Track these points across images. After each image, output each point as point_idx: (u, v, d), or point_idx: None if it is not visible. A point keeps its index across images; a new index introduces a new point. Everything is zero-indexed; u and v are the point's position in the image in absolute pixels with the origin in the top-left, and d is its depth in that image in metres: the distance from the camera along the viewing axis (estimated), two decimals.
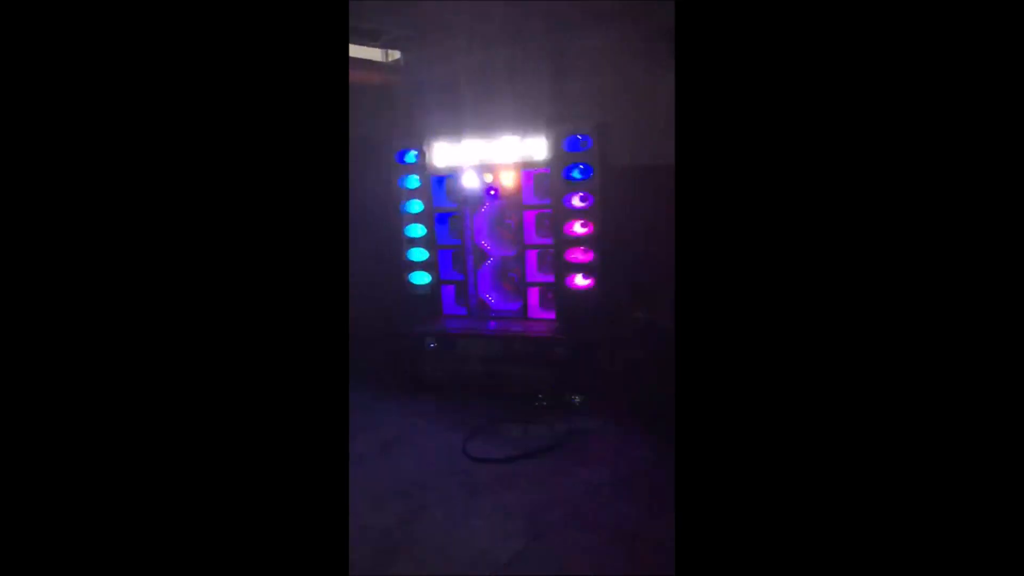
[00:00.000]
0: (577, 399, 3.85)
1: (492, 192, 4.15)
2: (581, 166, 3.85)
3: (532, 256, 4.25)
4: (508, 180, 4.08)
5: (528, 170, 4.07)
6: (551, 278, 4.15)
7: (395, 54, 5.81)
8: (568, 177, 3.89)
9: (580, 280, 4.01)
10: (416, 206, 4.42)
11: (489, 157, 4.10)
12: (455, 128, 4.25)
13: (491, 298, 4.53)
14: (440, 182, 4.39)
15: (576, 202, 3.90)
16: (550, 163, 3.93)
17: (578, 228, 3.93)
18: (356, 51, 5.37)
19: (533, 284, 4.28)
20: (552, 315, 4.22)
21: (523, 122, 4.08)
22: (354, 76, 3.00)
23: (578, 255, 3.97)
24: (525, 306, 4.31)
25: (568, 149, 3.87)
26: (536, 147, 3.96)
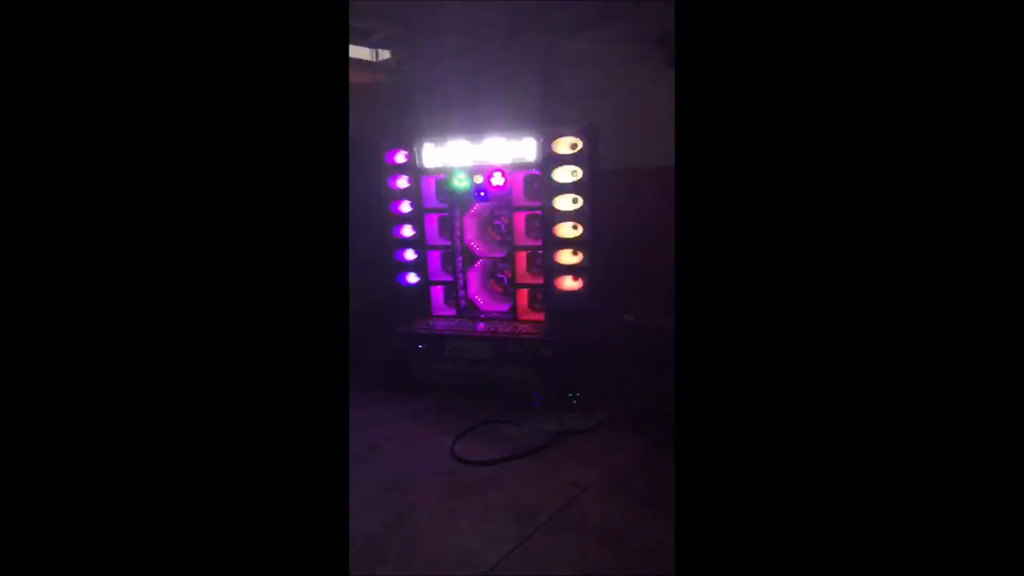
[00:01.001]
0: (574, 398, 3.86)
1: (482, 193, 4.14)
2: (572, 168, 3.85)
3: (522, 257, 4.24)
4: (498, 181, 4.08)
5: (518, 171, 4.07)
6: (541, 280, 4.15)
7: (385, 54, 5.79)
8: (558, 179, 3.89)
9: (570, 282, 4.01)
10: (405, 206, 4.40)
11: (479, 158, 4.09)
12: (445, 129, 4.24)
13: (480, 299, 4.52)
14: (430, 183, 4.38)
15: (566, 204, 3.91)
16: (540, 165, 3.94)
17: (568, 230, 3.93)
18: None
19: (523, 285, 4.28)
20: (541, 316, 4.22)
21: (513, 123, 4.08)
22: None
23: (568, 257, 3.97)
24: (515, 307, 4.31)
25: (558, 151, 3.87)
26: (526, 148, 3.96)
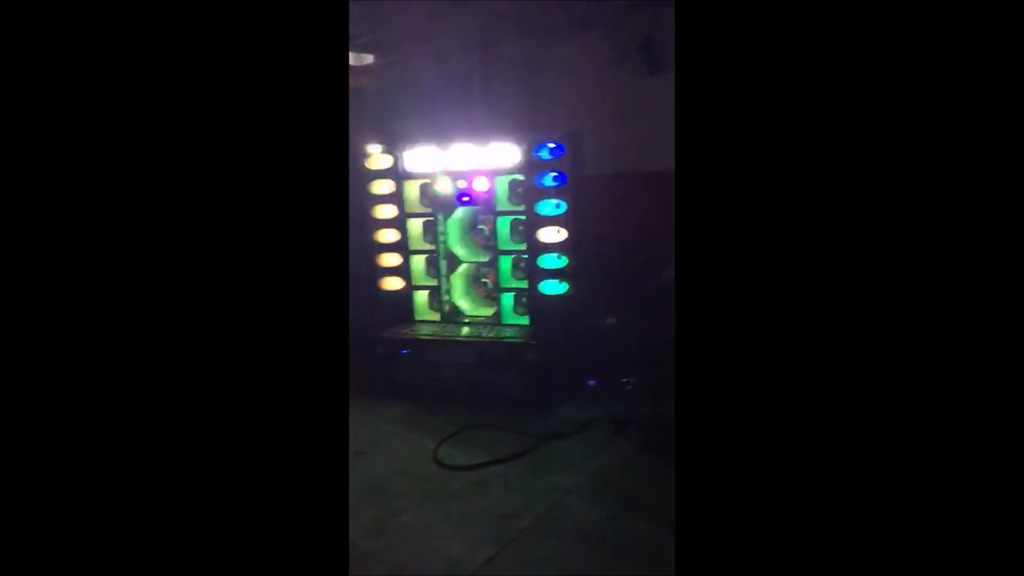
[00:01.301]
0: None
1: (466, 198, 4.15)
2: (555, 173, 3.88)
3: (506, 262, 4.25)
4: (482, 186, 4.09)
5: (502, 176, 4.08)
6: (525, 284, 4.16)
7: (369, 58, 5.78)
8: (542, 184, 3.92)
9: (554, 286, 4.03)
10: (388, 211, 4.38)
11: (463, 163, 4.10)
12: (429, 133, 4.24)
13: (464, 303, 4.52)
14: (413, 187, 4.37)
15: (550, 209, 3.93)
16: (524, 170, 3.96)
17: (552, 234, 3.95)
18: None
19: (507, 290, 4.28)
20: (526, 321, 4.23)
21: (497, 128, 4.10)
22: None
23: (552, 261, 3.99)
24: (499, 311, 4.31)
25: (541, 156, 3.89)
26: (510, 154, 3.98)
